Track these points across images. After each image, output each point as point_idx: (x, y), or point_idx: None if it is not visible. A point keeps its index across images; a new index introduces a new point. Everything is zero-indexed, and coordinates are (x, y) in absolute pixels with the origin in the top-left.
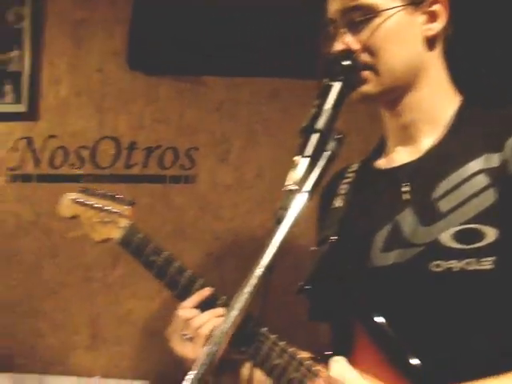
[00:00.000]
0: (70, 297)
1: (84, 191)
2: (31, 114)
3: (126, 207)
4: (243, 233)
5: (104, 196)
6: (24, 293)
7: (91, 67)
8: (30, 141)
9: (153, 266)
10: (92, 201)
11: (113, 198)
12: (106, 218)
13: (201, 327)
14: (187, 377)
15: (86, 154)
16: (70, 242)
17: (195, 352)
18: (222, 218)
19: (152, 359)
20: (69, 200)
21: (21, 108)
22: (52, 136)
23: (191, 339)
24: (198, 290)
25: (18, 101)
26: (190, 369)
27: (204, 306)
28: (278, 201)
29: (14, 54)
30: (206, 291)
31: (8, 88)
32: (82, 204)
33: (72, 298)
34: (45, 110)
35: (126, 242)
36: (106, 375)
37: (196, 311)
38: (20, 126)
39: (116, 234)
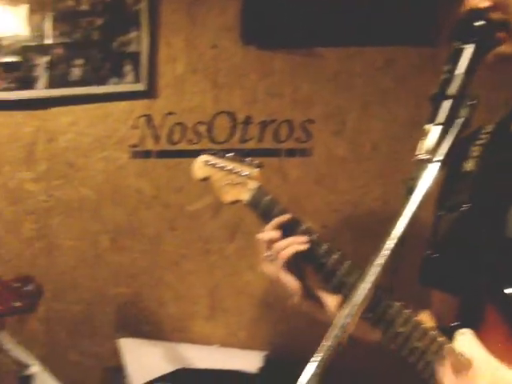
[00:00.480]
0: (189, 268)
1: (215, 154)
2: (150, 93)
3: (254, 170)
4: (360, 206)
5: (233, 159)
6: (147, 264)
7: (206, 44)
8: (149, 118)
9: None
10: (222, 163)
11: (242, 161)
12: (235, 179)
13: (281, 250)
14: (320, 349)
15: (202, 129)
16: (189, 215)
17: (277, 273)
18: (338, 190)
19: (269, 330)
20: (201, 162)
21: (140, 87)
22: (170, 113)
23: (273, 261)
24: (325, 252)
25: (137, 80)
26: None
27: (286, 230)
28: (395, 173)
29: (133, 35)
30: (286, 216)
31: (128, 68)
32: (213, 166)
33: (192, 269)
34: (163, 87)
35: (254, 204)
36: (224, 344)
37: (278, 234)
38: (140, 104)
39: (245, 195)
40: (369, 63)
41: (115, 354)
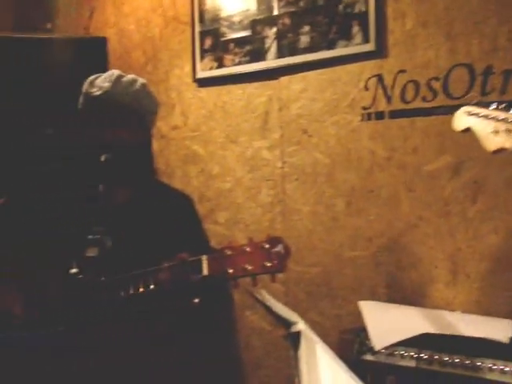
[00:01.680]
0: (428, 231)
1: (477, 104)
2: (379, 52)
3: None
4: None
5: (497, 108)
6: (383, 226)
7: None
8: (380, 78)
9: None
10: (485, 112)
11: (505, 109)
12: (500, 127)
13: None
14: None
15: (437, 85)
16: (426, 176)
17: None
18: None
19: None
20: (462, 113)
21: (369, 47)
22: (401, 71)
23: None
24: None
25: (365, 40)
26: None
27: None
28: None
29: None
30: None
31: (355, 29)
32: (476, 116)
33: (430, 232)
34: (392, 45)
35: None
36: (466, 311)
37: None
38: (369, 65)
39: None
40: None
41: (354, 316)
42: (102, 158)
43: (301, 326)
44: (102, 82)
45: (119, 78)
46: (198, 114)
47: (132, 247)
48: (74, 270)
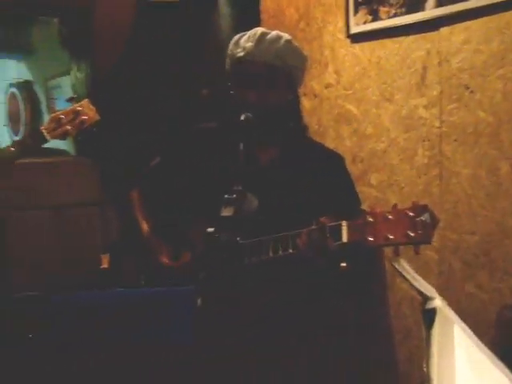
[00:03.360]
0: None
1: None
2: None
3: None
4: None
5: None
6: None
7: None
8: None
9: None
10: None
11: None
12: None
13: None
14: None
15: None
16: None
17: None
18: None
19: None
20: None
21: None
22: None
23: None
24: None
25: None
26: None
27: None
28: None
29: None
30: None
31: None
32: None
33: None
34: None
35: None
36: None
37: None
38: None
39: None
40: None
41: None
42: (242, 117)
43: (438, 302)
44: (245, 41)
45: (262, 35)
46: (352, 71)
47: (278, 208)
48: (210, 229)
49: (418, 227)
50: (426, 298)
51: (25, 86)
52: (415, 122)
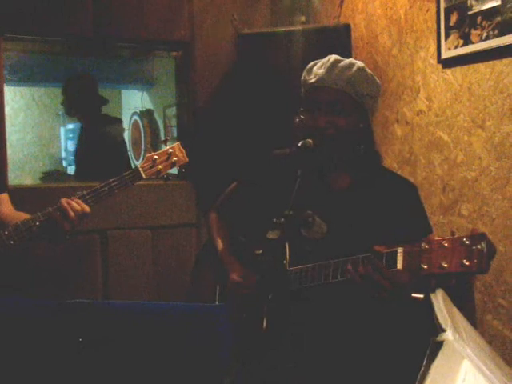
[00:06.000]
0: None
1: None
2: None
3: None
4: None
5: None
6: None
7: None
8: None
9: None
10: None
11: None
12: None
13: None
14: None
15: None
16: None
17: None
18: None
19: None
20: None
21: None
22: None
23: None
24: None
25: None
26: None
27: None
28: None
29: None
30: None
31: None
32: None
33: None
34: None
35: None
36: None
37: None
38: None
39: None
40: None
41: None
42: (300, 144)
43: (449, 336)
44: (317, 68)
45: (335, 63)
46: (443, 97)
47: (347, 234)
48: (258, 251)
49: (474, 256)
50: (439, 330)
51: (146, 115)
52: (508, 150)
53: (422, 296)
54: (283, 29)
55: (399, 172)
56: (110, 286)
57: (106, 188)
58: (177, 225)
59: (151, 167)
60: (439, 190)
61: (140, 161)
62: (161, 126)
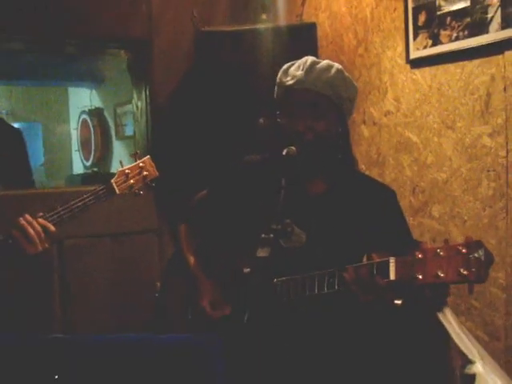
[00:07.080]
0: None
1: None
2: None
3: None
4: None
5: None
6: None
7: None
8: None
9: None
10: None
11: None
12: None
13: None
14: None
15: None
16: None
17: None
18: None
19: None
20: None
21: None
22: None
23: None
24: None
25: None
26: None
27: None
28: None
29: None
30: None
31: None
32: None
33: None
34: None
35: None
36: None
37: None
38: None
39: None
40: None
41: None
42: (284, 152)
43: (479, 368)
44: (295, 70)
45: (313, 64)
46: (412, 98)
47: (326, 241)
48: (246, 270)
49: (472, 265)
50: (467, 362)
51: (95, 113)
52: (479, 151)
53: (400, 302)
54: (245, 27)
55: (367, 173)
56: (69, 301)
57: (80, 204)
58: (138, 231)
59: (124, 182)
60: (408, 191)
61: (90, 161)
62: (111, 125)
